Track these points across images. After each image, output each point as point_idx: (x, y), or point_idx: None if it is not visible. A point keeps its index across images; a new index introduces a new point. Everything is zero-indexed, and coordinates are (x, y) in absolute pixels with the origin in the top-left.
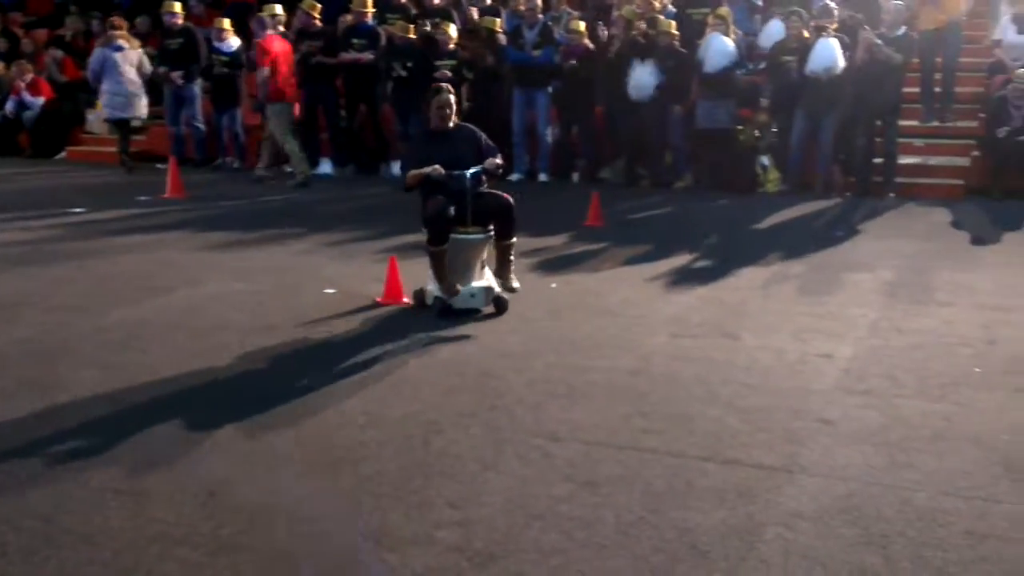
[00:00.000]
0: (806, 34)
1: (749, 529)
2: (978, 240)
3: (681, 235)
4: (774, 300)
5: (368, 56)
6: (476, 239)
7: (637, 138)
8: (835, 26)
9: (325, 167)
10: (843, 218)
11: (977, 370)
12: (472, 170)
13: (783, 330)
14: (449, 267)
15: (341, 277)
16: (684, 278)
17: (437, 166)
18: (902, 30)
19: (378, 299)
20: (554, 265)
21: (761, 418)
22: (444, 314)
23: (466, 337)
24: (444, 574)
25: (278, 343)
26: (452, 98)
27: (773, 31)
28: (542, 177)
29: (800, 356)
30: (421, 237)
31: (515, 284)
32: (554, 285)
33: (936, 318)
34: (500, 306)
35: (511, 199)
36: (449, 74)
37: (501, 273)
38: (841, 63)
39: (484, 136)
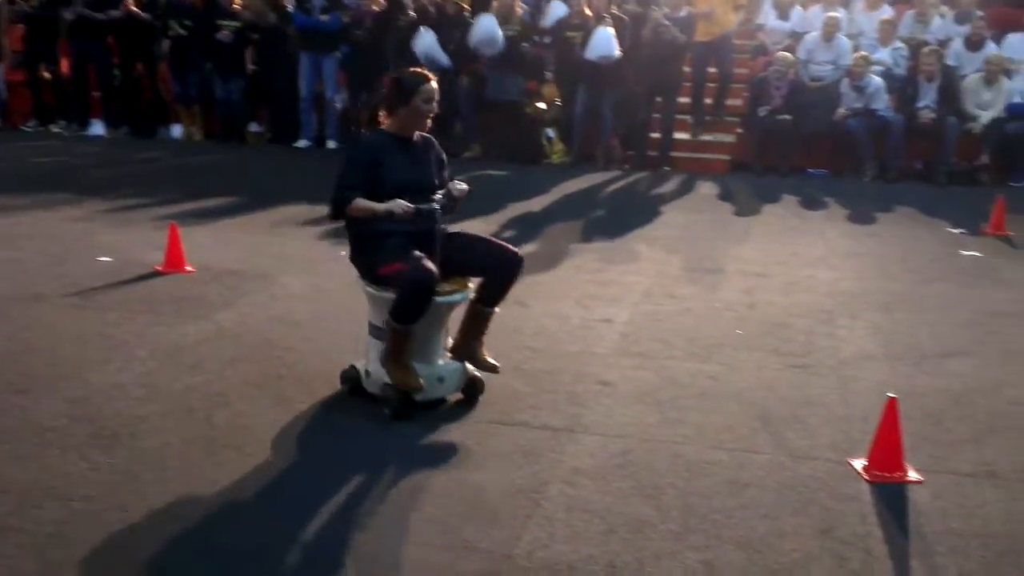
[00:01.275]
0: (588, 12)
1: (535, 487)
2: (741, 212)
3: (469, 204)
4: (559, 268)
5: (141, 15)
6: (455, 300)
7: None
8: (614, 10)
9: (97, 128)
10: (622, 190)
11: (739, 332)
12: (437, 198)
13: (567, 297)
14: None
15: (117, 245)
16: None
17: (400, 201)
18: (684, 12)
19: (158, 267)
20: (345, 233)
21: (547, 381)
22: (404, 414)
23: (251, 306)
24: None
25: (45, 313)
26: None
27: (555, 12)
28: (331, 144)
29: (583, 322)
30: (209, 204)
31: (493, 360)
32: (344, 253)
33: (704, 284)
34: (474, 392)
35: (519, 253)
36: (230, 35)
37: (471, 345)
38: (617, 51)
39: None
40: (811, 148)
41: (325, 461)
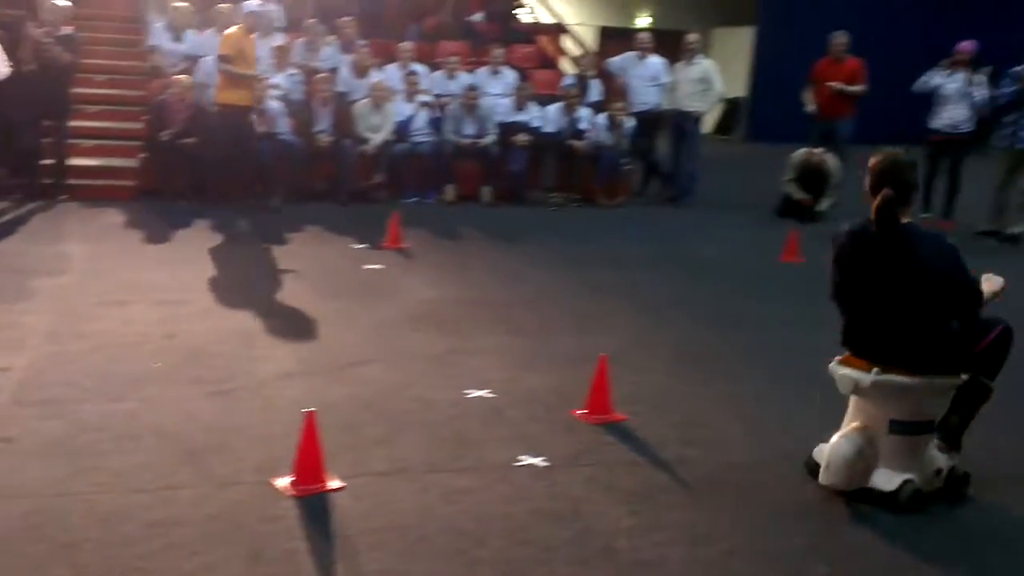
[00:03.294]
0: None
1: None
2: (150, 239)
3: None
4: None
5: None
6: None
7: None
8: None
9: None
10: (12, 223)
11: (157, 365)
12: None
13: None
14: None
15: None
16: None
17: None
18: (69, 29)
19: None
20: None
21: None
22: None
23: None
24: None
25: None
26: None
27: None
28: None
29: None
30: None
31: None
32: None
33: (115, 319)
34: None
35: None
36: None
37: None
38: (4, 69)
39: None
40: (220, 172)
41: None
